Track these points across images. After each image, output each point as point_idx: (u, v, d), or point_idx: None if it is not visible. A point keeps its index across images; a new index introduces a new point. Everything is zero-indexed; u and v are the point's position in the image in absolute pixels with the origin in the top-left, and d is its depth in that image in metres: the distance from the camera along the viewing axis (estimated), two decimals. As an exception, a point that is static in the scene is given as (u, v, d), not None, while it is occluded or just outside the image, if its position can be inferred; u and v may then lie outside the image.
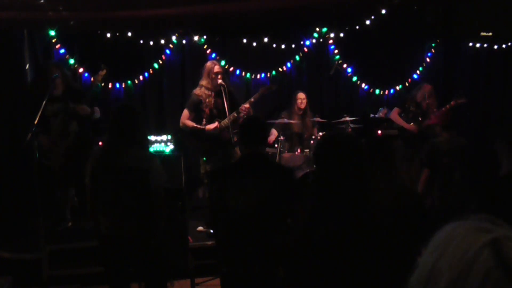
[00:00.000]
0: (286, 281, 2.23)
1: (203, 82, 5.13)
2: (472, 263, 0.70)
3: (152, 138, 5.16)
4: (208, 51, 6.39)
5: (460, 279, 0.70)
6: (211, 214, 2.94)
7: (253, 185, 2.74)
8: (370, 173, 2.12)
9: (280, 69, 6.73)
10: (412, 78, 7.01)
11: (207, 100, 5.09)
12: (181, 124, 5.19)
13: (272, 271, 2.80)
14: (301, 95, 6.11)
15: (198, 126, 5.10)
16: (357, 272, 1.85)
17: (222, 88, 4.95)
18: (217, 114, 5.11)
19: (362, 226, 1.89)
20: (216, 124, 5.07)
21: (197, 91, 5.16)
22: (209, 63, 5.20)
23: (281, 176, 2.85)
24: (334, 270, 1.87)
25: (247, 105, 5.04)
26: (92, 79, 5.15)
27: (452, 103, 5.93)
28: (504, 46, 7.27)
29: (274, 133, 6.15)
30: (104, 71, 5.02)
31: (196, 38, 6.28)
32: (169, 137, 5.21)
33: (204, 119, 5.12)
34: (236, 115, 5.00)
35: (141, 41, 6.18)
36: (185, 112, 5.19)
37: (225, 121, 5.01)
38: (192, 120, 5.15)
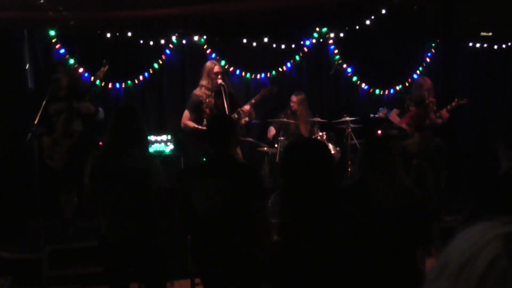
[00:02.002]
0: None
1: (203, 82, 5.14)
2: (480, 250, 0.71)
3: (152, 138, 5.17)
4: (208, 51, 6.39)
5: (468, 263, 0.71)
6: (180, 214, 2.92)
7: (215, 186, 2.70)
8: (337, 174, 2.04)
9: (280, 69, 6.73)
10: (412, 78, 7.00)
11: (207, 101, 5.10)
12: (182, 125, 5.22)
13: (238, 270, 2.75)
14: (294, 98, 6.13)
15: (199, 127, 5.10)
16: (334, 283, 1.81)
17: (222, 88, 4.96)
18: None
19: (338, 237, 1.83)
20: None
21: (197, 91, 5.17)
22: (209, 63, 5.21)
23: (245, 175, 2.79)
24: (312, 283, 1.82)
25: (247, 107, 5.04)
26: (92, 77, 5.09)
27: (453, 103, 5.94)
28: (504, 46, 7.26)
29: (271, 130, 6.17)
30: (106, 67, 4.96)
31: (196, 38, 6.28)
32: (169, 137, 5.22)
33: (205, 120, 5.13)
34: (236, 116, 5.01)
35: (141, 41, 6.17)
36: (186, 113, 5.20)
37: (225, 121, 5.02)
38: (193, 121, 5.16)
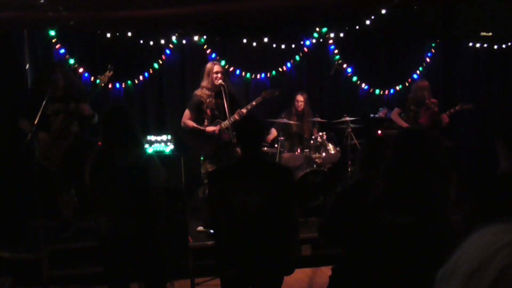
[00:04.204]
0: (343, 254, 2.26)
1: (204, 83, 5.15)
2: (491, 258, 0.69)
3: (152, 138, 5.16)
4: (208, 51, 6.39)
5: (476, 272, 0.70)
6: (212, 215, 2.96)
7: (254, 186, 2.77)
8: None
9: (280, 69, 6.73)
10: (412, 78, 7.01)
11: (207, 101, 5.11)
12: (182, 124, 5.23)
13: (272, 270, 2.82)
14: (300, 97, 6.13)
15: (198, 126, 5.12)
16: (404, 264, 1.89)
17: (222, 89, 4.97)
18: (219, 115, 5.12)
19: (428, 225, 1.90)
20: (216, 127, 5.07)
21: (198, 92, 5.18)
22: (209, 64, 5.23)
23: (281, 175, 2.88)
24: (388, 257, 1.91)
25: (246, 110, 5.05)
26: (93, 77, 5.04)
27: (457, 107, 5.92)
28: (504, 46, 7.27)
29: (273, 132, 6.17)
30: (111, 72, 4.95)
31: (196, 38, 6.28)
32: (169, 137, 5.21)
33: (206, 120, 5.14)
34: (237, 117, 5.02)
35: (141, 41, 6.17)
36: (186, 112, 5.21)
37: (225, 123, 5.04)
38: (194, 121, 5.17)
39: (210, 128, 5.10)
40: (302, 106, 6.13)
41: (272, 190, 2.77)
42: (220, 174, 3.00)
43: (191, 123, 5.15)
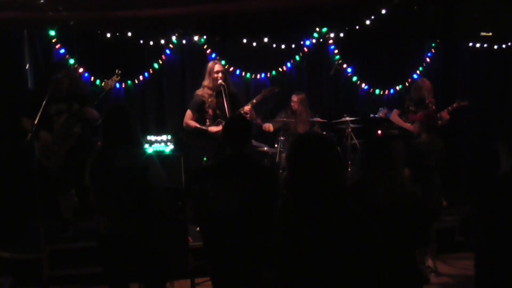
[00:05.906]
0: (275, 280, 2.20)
1: (205, 82, 5.17)
2: None
3: (152, 138, 5.16)
4: (208, 51, 6.39)
5: None
6: (195, 213, 2.95)
7: (235, 185, 2.76)
8: (343, 172, 2.05)
9: (280, 69, 6.73)
10: (412, 78, 7.00)
11: (209, 100, 5.13)
12: (184, 124, 5.24)
13: (256, 269, 2.80)
14: (294, 98, 6.16)
15: (201, 126, 5.12)
16: (334, 274, 1.82)
17: (222, 88, 4.98)
18: (220, 114, 5.13)
19: (336, 229, 1.84)
20: (219, 127, 5.08)
21: (199, 91, 5.20)
22: (210, 63, 5.25)
23: (263, 175, 2.88)
24: (312, 271, 1.85)
25: (248, 107, 5.05)
26: (96, 79, 5.00)
27: (454, 105, 5.93)
28: (504, 46, 7.26)
29: (270, 126, 6.16)
30: (119, 78, 4.94)
31: (196, 38, 6.28)
32: (169, 137, 5.21)
33: (207, 120, 5.15)
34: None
35: (141, 41, 6.17)
36: (188, 113, 5.22)
37: (226, 122, 5.04)
38: (196, 121, 5.18)
39: (213, 129, 5.10)
40: (295, 106, 6.15)
41: (253, 189, 2.76)
42: (203, 172, 3.00)
43: (193, 123, 5.16)
